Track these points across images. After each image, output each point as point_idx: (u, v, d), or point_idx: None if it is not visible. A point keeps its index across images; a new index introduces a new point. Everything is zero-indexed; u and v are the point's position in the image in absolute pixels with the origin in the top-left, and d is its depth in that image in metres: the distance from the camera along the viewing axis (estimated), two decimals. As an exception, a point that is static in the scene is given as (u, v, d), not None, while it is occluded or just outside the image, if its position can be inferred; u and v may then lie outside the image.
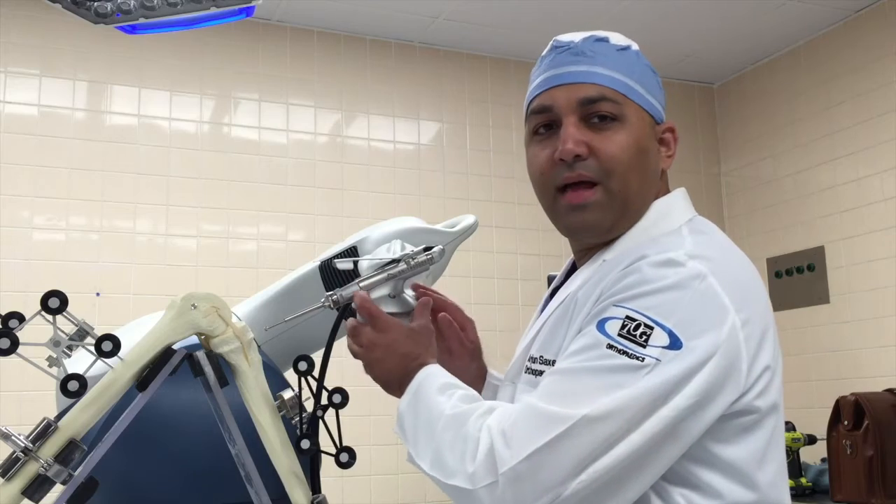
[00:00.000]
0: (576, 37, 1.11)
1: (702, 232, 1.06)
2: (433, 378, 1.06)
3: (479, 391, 1.22)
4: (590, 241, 1.12)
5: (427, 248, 1.21)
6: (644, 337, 0.91)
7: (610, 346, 0.92)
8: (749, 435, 0.98)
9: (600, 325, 0.94)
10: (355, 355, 1.15)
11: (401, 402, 1.08)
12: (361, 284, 1.16)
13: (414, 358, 1.10)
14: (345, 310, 1.17)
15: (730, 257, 1.02)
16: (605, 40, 1.11)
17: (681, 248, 0.99)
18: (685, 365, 0.90)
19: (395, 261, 1.19)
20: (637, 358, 0.90)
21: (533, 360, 1.09)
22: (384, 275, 1.17)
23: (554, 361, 1.03)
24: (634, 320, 0.92)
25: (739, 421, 0.97)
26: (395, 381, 1.10)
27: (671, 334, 0.91)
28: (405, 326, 1.14)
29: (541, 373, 1.05)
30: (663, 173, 1.13)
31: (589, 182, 1.07)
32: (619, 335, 0.92)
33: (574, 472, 0.88)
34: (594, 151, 1.06)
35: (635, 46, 1.13)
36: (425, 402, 1.03)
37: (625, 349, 0.91)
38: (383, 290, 1.17)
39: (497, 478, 0.90)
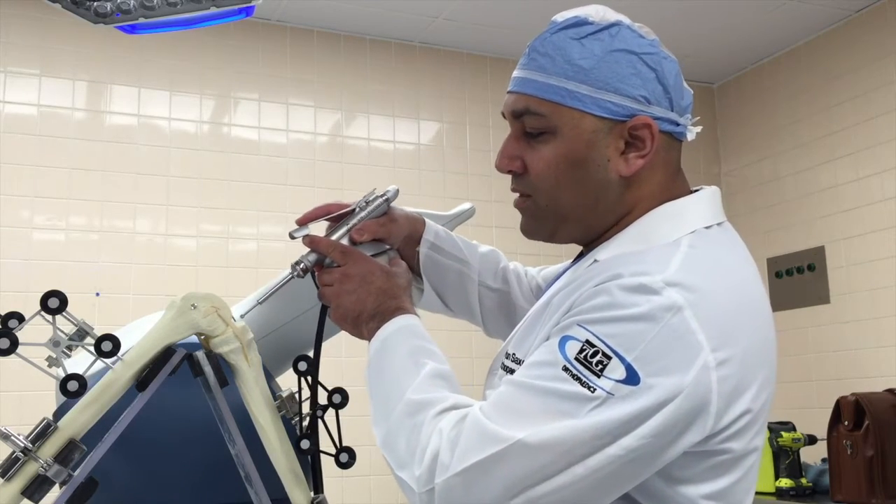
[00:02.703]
0: (556, 19, 1.05)
1: (704, 248, 0.96)
2: (407, 334, 1.02)
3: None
4: (551, 242, 1.11)
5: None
6: (600, 366, 0.85)
7: (565, 369, 0.87)
8: (717, 476, 0.92)
9: (561, 343, 0.89)
10: (323, 297, 1.11)
11: (370, 349, 1.04)
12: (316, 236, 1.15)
13: (392, 296, 1.07)
14: (325, 308, 1.15)
15: (723, 285, 0.92)
16: (571, 26, 1.01)
17: (662, 271, 0.90)
18: (639, 404, 0.84)
19: (351, 211, 1.18)
20: (588, 388, 0.85)
21: (508, 356, 1.05)
22: (343, 230, 1.16)
23: (523, 361, 0.99)
24: (593, 346, 0.86)
25: (707, 462, 0.91)
26: (366, 313, 1.06)
27: (629, 368, 0.85)
28: (382, 264, 1.11)
29: (512, 371, 1.01)
30: (639, 175, 1.01)
31: (527, 194, 1.07)
32: (576, 359, 0.87)
33: (507, 494, 0.85)
34: (526, 166, 1.04)
35: (613, 26, 1.01)
36: (392, 363, 1.00)
37: (578, 375, 0.86)
38: (345, 242, 1.15)
39: (434, 485, 0.88)
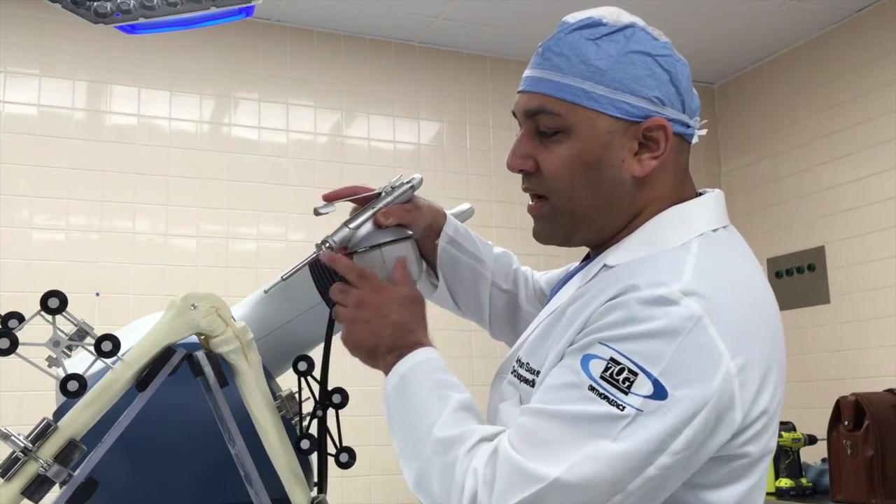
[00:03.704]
0: (567, 20, 1.04)
1: (714, 252, 0.97)
2: (427, 369, 1.01)
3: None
4: (565, 246, 1.09)
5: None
6: (627, 383, 0.85)
7: (592, 389, 0.86)
8: (736, 480, 0.93)
9: (584, 362, 0.88)
10: (339, 316, 1.09)
11: (388, 382, 1.02)
12: (351, 226, 1.15)
13: (409, 330, 1.05)
14: (333, 305, 1.15)
15: (736, 290, 0.93)
16: (585, 27, 1.01)
17: (677, 279, 0.90)
18: (670, 419, 0.84)
19: (377, 195, 1.18)
20: (618, 406, 0.85)
21: (520, 363, 1.04)
22: (369, 212, 1.16)
23: (538, 372, 0.99)
24: (619, 363, 0.86)
25: (727, 466, 0.92)
26: (383, 347, 1.05)
27: (656, 383, 0.85)
28: (398, 291, 1.09)
29: (525, 379, 1.01)
30: (651, 176, 1.02)
31: (540, 194, 1.05)
32: (602, 377, 0.86)
33: None
34: (539, 166, 1.03)
35: (627, 28, 1.01)
36: (415, 399, 0.99)
37: (606, 394, 0.86)
38: (370, 225, 1.15)
39: None
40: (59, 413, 1.21)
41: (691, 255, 0.94)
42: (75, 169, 3.27)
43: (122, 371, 1.13)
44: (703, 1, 3.50)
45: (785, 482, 3.13)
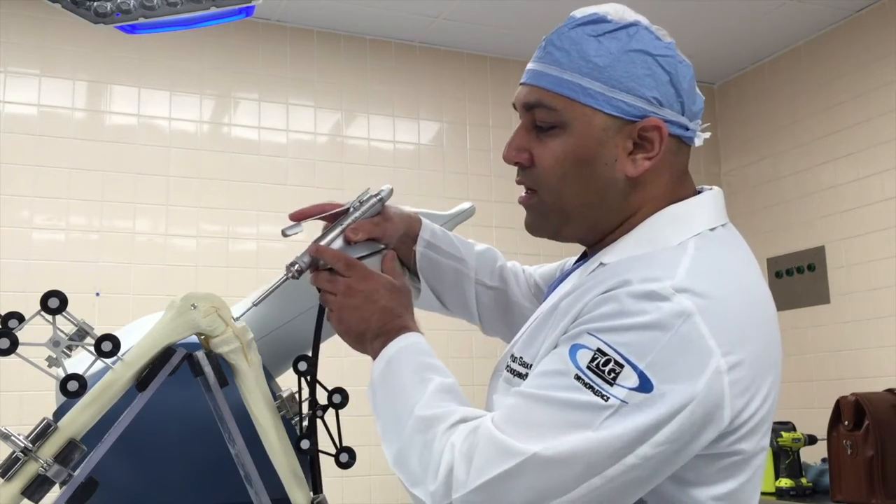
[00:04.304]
0: (574, 15, 1.04)
1: (710, 251, 0.96)
2: (412, 352, 1.03)
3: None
4: (555, 240, 1.10)
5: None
6: (612, 374, 0.85)
7: (577, 378, 0.87)
8: (727, 477, 0.92)
9: (572, 351, 0.89)
10: (327, 303, 1.10)
11: (374, 368, 1.04)
12: (321, 244, 1.14)
13: (396, 315, 1.07)
14: (323, 310, 1.14)
15: (731, 289, 0.92)
16: (589, 23, 1.01)
17: (671, 277, 0.89)
18: (655, 413, 0.84)
19: (345, 210, 1.17)
20: (602, 396, 0.85)
21: (514, 358, 1.05)
22: (337, 230, 1.15)
23: (531, 365, 0.99)
24: (605, 354, 0.86)
25: (718, 463, 0.91)
26: (370, 332, 1.06)
27: (641, 375, 0.84)
28: (385, 279, 1.10)
29: (519, 374, 1.02)
30: (645, 177, 1.01)
31: (530, 188, 1.06)
32: (588, 367, 0.86)
33: None
34: (533, 160, 1.03)
35: (631, 26, 1.01)
36: (398, 382, 1.00)
37: (591, 384, 0.86)
38: (340, 242, 1.15)
39: (452, 501, 0.88)
40: (59, 413, 1.21)
41: (687, 254, 0.94)
42: (75, 169, 3.27)
43: (122, 371, 1.13)
44: (704, 1, 3.50)
45: (785, 482, 3.13)
